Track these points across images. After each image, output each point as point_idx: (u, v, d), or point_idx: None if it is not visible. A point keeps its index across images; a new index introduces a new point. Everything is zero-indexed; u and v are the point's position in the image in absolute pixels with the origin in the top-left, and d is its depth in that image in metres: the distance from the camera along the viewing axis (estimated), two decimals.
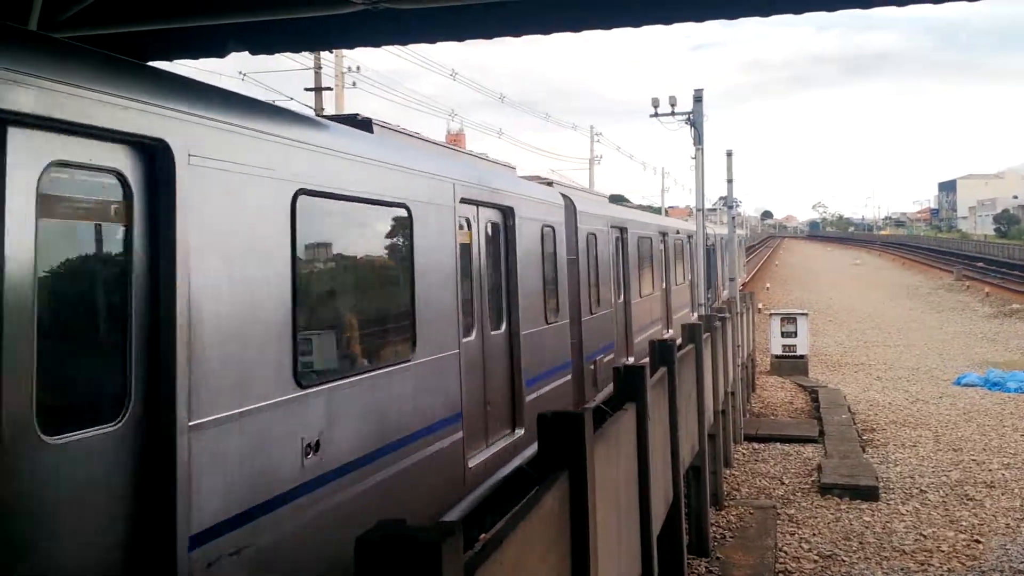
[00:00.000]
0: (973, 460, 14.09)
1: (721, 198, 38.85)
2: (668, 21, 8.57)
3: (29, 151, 4.00)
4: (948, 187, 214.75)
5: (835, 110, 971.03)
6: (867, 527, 10.97)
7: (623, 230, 16.67)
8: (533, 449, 9.80)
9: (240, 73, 31.33)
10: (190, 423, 4.69)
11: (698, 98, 24.77)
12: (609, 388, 12.35)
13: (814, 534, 10.73)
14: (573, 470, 4.32)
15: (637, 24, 8.70)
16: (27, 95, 3.92)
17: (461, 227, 8.93)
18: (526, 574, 3.57)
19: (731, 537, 10.66)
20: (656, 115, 26.21)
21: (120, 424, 4.43)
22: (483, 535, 7.30)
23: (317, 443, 5.90)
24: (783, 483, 13.02)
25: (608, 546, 5.02)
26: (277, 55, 16.95)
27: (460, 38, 9.12)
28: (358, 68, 35.47)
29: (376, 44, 9.82)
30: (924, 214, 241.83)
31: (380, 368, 6.99)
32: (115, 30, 7.73)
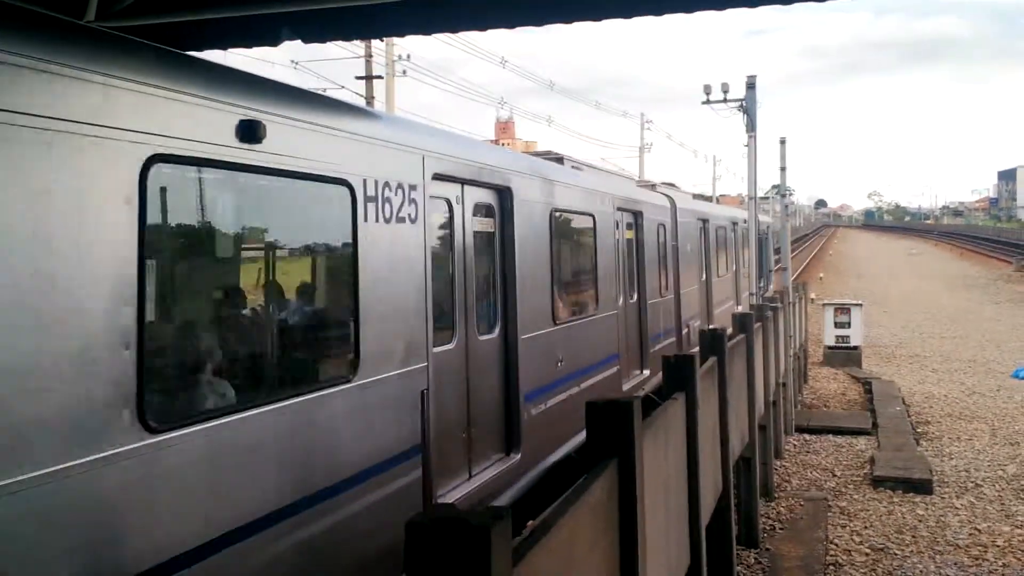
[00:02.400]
0: None
1: (774, 186, 38.31)
2: (721, 7, 8.46)
3: None
4: (1008, 176, 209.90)
5: (893, 97, 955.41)
6: (920, 520, 10.80)
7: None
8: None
9: (292, 62, 31.65)
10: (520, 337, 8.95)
11: (751, 85, 24.41)
12: (659, 377, 12.27)
13: (866, 527, 10.59)
14: (622, 459, 4.31)
15: (689, 10, 8.60)
16: None
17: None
18: (574, 561, 3.57)
19: (781, 528, 10.57)
20: (708, 102, 25.94)
21: (495, 334, 8.86)
22: (531, 521, 7.31)
23: None
24: (835, 475, 12.87)
25: (656, 535, 5.01)
26: (328, 44, 17.05)
27: (511, 25, 9.09)
28: (408, 56, 35.63)
29: (427, 31, 9.83)
30: (983, 203, 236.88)
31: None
32: (171, 19, 7.82)
